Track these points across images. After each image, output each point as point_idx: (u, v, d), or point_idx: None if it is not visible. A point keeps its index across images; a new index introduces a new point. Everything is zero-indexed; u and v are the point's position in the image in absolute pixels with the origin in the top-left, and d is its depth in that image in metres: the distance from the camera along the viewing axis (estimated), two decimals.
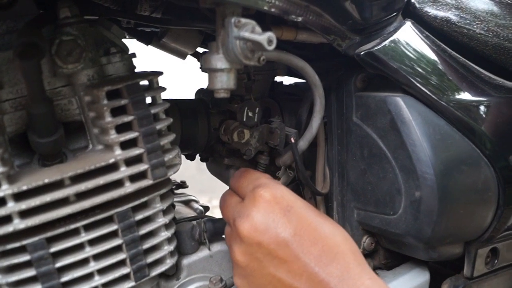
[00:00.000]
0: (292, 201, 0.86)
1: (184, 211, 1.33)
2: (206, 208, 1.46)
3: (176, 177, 1.40)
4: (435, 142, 0.96)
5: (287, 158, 1.10)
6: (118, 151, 0.88)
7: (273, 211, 0.85)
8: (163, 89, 0.95)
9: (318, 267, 0.81)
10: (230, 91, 0.83)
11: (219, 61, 0.82)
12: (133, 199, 0.92)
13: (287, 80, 1.35)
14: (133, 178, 0.90)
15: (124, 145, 0.89)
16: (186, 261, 1.08)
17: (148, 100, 0.92)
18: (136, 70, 0.96)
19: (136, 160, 0.91)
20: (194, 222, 1.10)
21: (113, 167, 0.88)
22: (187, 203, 1.43)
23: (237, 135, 1.09)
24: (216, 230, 1.08)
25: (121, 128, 0.88)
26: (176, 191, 1.53)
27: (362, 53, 0.98)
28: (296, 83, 1.35)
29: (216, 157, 1.25)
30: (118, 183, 0.89)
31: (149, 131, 0.89)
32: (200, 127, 1.14)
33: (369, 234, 1.14)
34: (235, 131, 1.09)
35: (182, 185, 1.53)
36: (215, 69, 0.82)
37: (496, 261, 1.16)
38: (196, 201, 1.45)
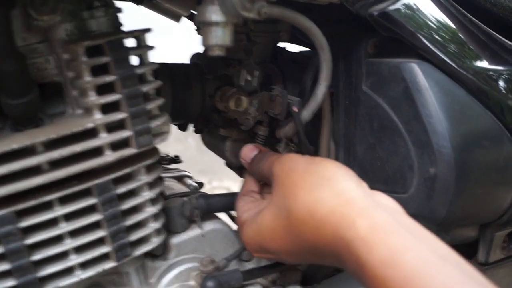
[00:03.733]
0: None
1: (176, 187, 1.23)
2: (201, 184, 1.36)
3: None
4: (453, 113, 0.87)
5: (288, 130, 1.00)
6: (98, 115, 0.80)
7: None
8: (151, 48, 0.85)
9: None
10: (225, 49, 0.74)
11: (214, 13, 0.73)
12: (114, 170, 0.83)
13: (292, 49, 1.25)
14: (115, 146, 0.82)
15: (106, 110, 0.80)
16: (175, 240, 0.99)
17: (136, 63, 0.84)
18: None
19: (119, 126, 0.82)
20: (185, 198, 1.00)
21: (92, 133, 0.80)
22: (180, 178, 1.33)
23: (235, 103, 1.00)
24: (209, 207, 0.99)
25: (104, 91, 0.79)
26: (168, 166, 1.43)
27: (376, 13, 0.88)
28: (301, 52, 1.25)
29: (211, 128, 1.15)
30: (98, 151, 0.80)
31: (133, 93, 0.80)
32: (194, 93, 1.05)
33: None
34: (232, 98, 1.00)
35: (176, 160, 1.43)
36: (210, 22, 0.74)
37: None
38: (190, 177, 1.35)
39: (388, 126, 0.94)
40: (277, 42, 1.11)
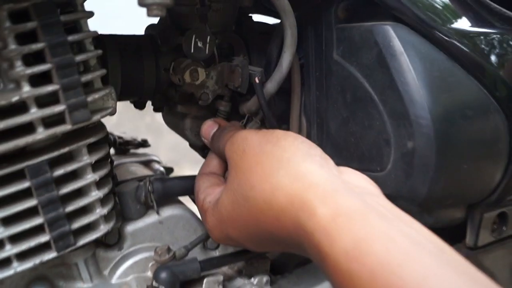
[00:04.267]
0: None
1: (140, 172, 1.14)
2: (170, 170, 1.26)
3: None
4: (432, 80, 0.78)
5: (252, 104, 0.90)
6: (26, 88, 0.70)
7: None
8: (90, 14, 0.76)
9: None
10: (166, 8, 0.64)
11: None
12: (50, 150, 0.75)
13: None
14: (49, 123, 0.73)
15: (38, 83, 0.71)
16: (130, 228, 0.90)
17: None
18: None
19: (54, 101, 0.73)
20: (141, 182, 0.90)
21: (21, 109, 0.71)
22: (147, 163, 1.24)
23: (190, 75, 0.90)
24: (166, 190, 0.90)
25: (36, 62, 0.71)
26: (136, 151, 1.34)
27: None
28: (274, 24, 1.15)
29: (170, 106, 1.05)
30: (28, 129, 0.71)
31: (65, 62, 0.71)
32: (146, 67, 0.95)
33: None
34: (186, 69, 0.90)
35: (143, 144, 1.34)
36: None
37: (504, 228, 0.97)
38: (158, 162, 1.26)
39: (362, 97, 0.85)
40: (239, 9, 1.01)
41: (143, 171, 1.16)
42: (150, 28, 1.03)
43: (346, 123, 0.90)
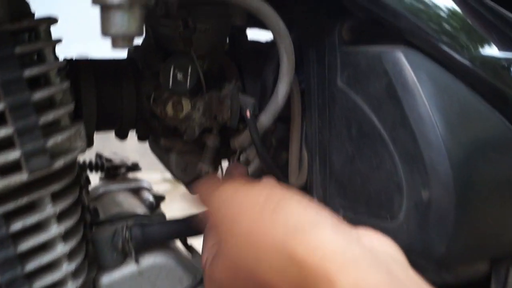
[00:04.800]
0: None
1: (128, 203, 1.04)
2: (160, 198, 1.16)
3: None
4: (451, 116, 0.68)
5: (244, 139, 0.80)
6: None
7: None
8: (55, 42, 0.66)
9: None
10: (133, 39, 0.55)
11: None
12: (5, 200, 0.65)
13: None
14: (3, 169, 0.64)
15: None
16: (105, 279, 0.81)
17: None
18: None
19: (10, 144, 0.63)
20: (119, 227, 0.80)
21: None
22: (137, 191, 1.13)
23: (172, 107, 0.79)
24: (146, 237, 0.80)
25: None
26: (126, 175, 1.24)
27: None
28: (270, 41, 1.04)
29: (155, 135, 0.94)
30: None
31: (19, 102, 0.61)
32: (125, 94, 0.84)
33: None
34: (168, 101, 0.79)
35: (134, 167, 1.23)
36: (107, 4, 0.54)
37: None
38: (148, 189, 1.15)
39: (369, 132, 0.75)
40: (230, 28, 0.90)
41: (130, 202, 1.06)
42: (131, 50, 0.92)
43: (351, 160, 0.79)
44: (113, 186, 1.13)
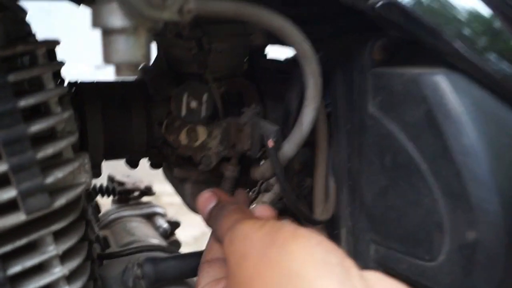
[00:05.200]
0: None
1: (141, 231, 0.98)
2: (175, 225, 1.09)
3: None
4: (500, 148, 0.62)
5: (265, 170, 0.73)
6: None
7: None
8: (55, 66, 0.59)
9: None
10: (138, 67, 0.49)
11: (113, 15, 0.46)
12: (3, 242, 0.59)
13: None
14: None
15: None
16: None
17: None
18: None
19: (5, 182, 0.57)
20: (129, 263, 0.73)
21: None
22: (150, 217, 1.07)
23: (186, 135, 0.73)
24: (158, 275, 0.74)
25: None
26: (139, 200, 1.17)
27: (379, 4, 0.63)
28: (294, 57, 0.96)
29: (168, 162, 0.87)
30: None
31: (13, 136, 0.55)
32: (135, 121, 0.78)
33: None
34: (182, 129, 0.72)
35: (147, 192, 1.17)
36: (108, 28, 0.47)
37: None
38: (162, 215, 1.09)
39: (405, 164, 0.69)
40: (251, 50, 0.83)
41: (143, 229, 1.00)
42: (141, 73, 0.86)
43: (385, 193, 0.73)
44: (125, 212, 1.07)
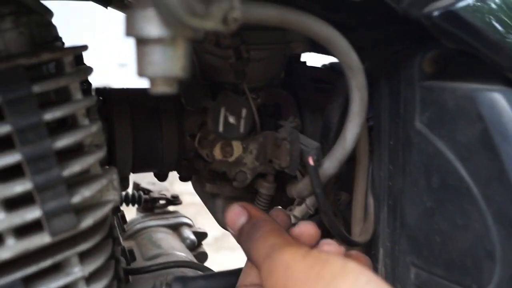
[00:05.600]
0: None
1: (167, 243, 0.94)
2: (202, 235, 1.05)
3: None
4: None
5: (303, 188, 0.68)
6: None
7: None
8: (85, 73, 0.56)
9: None
10: (174, 82, 0.45)
11: (149, 23, 0.42)
12: (26, 262, 0.55)
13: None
14: (19, 232, 0.53)
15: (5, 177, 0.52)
16: None
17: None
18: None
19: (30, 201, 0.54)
20: (157, 281, 0.70)
21: None
22: (176, 227, 1.03)
23: (221, 150, 0.68)
24: None
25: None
26: (165, 209, 1.14)
27: (435, 13, 0.58)
28: (332, 64, 0.92)
29: (199, 176, 0.83)
30: None
31: (38, 153, 0.51)
32: (166, 133, 0.74)
33: None
34: (216, 143, 0.68)
35: (174, 201, 1.13)
36: (144, 38, 0.43)
37: None
38: (190, 225, 1.05)
39: (455, 186, 0.64)
40: (289, 57, 0.78)
41: (169, 241, 0.96)
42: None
43: (430, 215, 0.68)
44: (151, 222, 1.03)
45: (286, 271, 0.53)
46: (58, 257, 0.56)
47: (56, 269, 0.58)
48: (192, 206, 2.42)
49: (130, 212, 1.07)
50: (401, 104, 0.70)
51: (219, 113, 0.65)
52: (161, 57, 0.43)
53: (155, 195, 1.11)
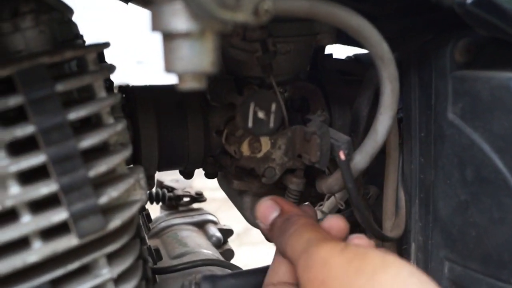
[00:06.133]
0: None
1: (193, 241, 0.93)
2: (228, 232, 1.04)
3: None
4: None
5: (334, 183, 0.67)
6: (14, 189, 0.50)
7: None
8: (108, 71, 0.55)
9: None
10: (203, 78, 0.43)
11: (177, 17, 0.40)
12: (53, 264, 0.54)
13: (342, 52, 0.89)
14: (46, 234, 0.52)
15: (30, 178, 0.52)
16: None
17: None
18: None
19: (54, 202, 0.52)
20: (186, 281, 0.68)
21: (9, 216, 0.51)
22: (201, 225, 1.01)
23: (249, 146, 0.67)
24: None
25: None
26: (189, 206, 1.12)
27: (470, 0, 0.55)
28: (356, 56, 0.89)
29: (226, 172, 0.82)
30: (22, 244, 0.52)
31: (63, 154, 0.50)
32: (191, 130, 0.72)
33: None
34: (244, 139, 0.66)
35: (198, 198, 1.11)
36: (171, 32, 0.41)
37: None
38: (215, 222, 1.04)
39: (490, 178, 0.62)
40: (315, 48, 0.76)
41: (195, 239, 0.94)
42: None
43: (464, 208, 0.66)
44: (176, 220, 1.02)
45: (324, 267, 0.52)
46: (85, 259, 0.55)
47: (84, 271, 0.57)
48: (213, 202, 2.41)
49: (154, 211, 1.06)
50: (432, 95, 0.68)
51: (248, 108, 0.63)
52: (189, 52, 0.41)
53: (179, 192, 1.10)
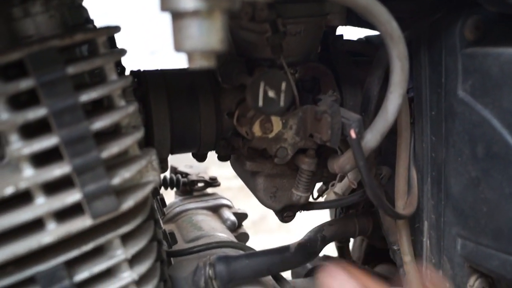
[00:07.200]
0: None
1: (208, 225, 0.93)
2: (242, 216, 1.04)
3: None
4: None
5: (345, 162, 0.67)
6: (27, 171, 0.51)
7: None
8: (117, 55, 0.55)
9: None
10: (214, 57, 0.43)
11: None
12: (68, 246, 0.55)
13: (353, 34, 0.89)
14: (60, 216, 0.53)
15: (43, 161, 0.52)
16: None
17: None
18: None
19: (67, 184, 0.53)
20: (200, 262, 0.69)
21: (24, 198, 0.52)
22: (216, 209, 1.02)
23: (260, 127, 0.67)
24: (231, 275, 0.69)
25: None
26: (203, 191, 1.13)
27: None
28: (367, 37, 0.89)
29: (238, 154, 0.82)
30: (36, 225, 0.52)
31: (75, 135, 0.50)
32: (203, 112, 0.73)
33: (479, 274, 0.74)
34: (255, 120, 0.67)
35: (212, 183, 1.12)
36: (180, 11, 0.42)
37: None
38: (229, 206, 1.04)
39: (501, 154, 0.63)
40: (325, 29, 0.76)
41: (210, 223, 0.95)
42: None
43: (475, 185, 0.67)
44: (190, 204, 1.03)
45: None
46: (100, 240, 0.56)
47: (98, 252, 0.58)
48: (228, 191, 2.43)
49: (169, 196, 1.07)
50: (442, 73, 0.68)
51: (258, 87, 0.63)
52: (198, 30, 0.42)
53: (193, 177, 1.11)
